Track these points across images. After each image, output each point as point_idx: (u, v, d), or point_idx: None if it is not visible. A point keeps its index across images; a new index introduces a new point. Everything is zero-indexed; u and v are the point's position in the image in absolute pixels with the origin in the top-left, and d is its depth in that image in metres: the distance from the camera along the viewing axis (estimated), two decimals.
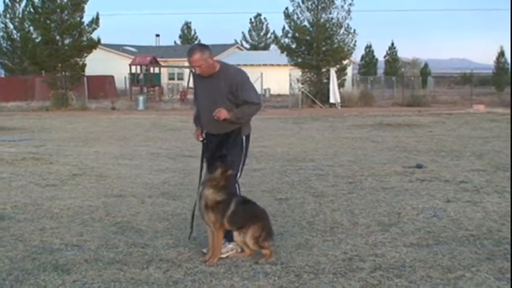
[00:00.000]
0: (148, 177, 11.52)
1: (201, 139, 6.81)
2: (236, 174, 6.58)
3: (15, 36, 53.78)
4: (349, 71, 50.38)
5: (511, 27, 30.78)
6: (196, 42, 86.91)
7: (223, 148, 6.55)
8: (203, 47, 6.51)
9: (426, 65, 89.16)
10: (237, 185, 6.67)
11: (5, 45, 54.37)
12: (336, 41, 39.47)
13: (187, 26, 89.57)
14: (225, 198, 6.25)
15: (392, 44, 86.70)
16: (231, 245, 6.51)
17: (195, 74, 6.70)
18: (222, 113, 6.39)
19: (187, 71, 42.30)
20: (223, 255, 6.38)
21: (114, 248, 6.80)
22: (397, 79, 58.27)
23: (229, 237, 6.45)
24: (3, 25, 53.68)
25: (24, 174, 12.00)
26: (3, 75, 55.53)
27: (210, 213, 6.21)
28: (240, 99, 6.47)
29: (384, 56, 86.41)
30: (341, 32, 39.37)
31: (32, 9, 39.07)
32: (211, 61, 6.44)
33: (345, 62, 41.45)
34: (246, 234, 6.28)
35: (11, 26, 53.83)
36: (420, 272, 5.86)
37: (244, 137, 6.68)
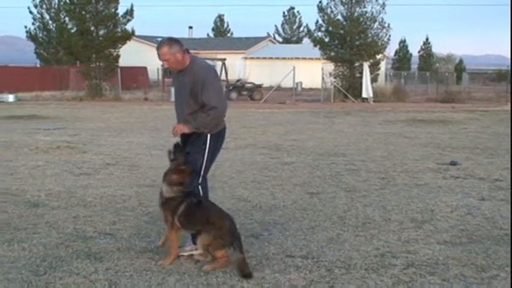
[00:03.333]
0: None
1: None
2: (197, 173, 6.27)
3: (51, 26, 54.16)
4: (382, 65, 49.98)
5: (511, 26, 30.44)
6: (228, 35, 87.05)
7: (186, 145, 6.29)
8: (172, 41, 6.26)
9: (461, 61, 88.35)
10: (200, 185, 6.35)
11: (40, 35, 54.79)
12: (370, 35, 39.15)
13: (220, 18, 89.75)
14: (176, 196, 5.95)
15: (427, 39, 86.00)
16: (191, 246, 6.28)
17: None
18: (178, 129, 6.23)
19: (219, 64, 42.28)
20: (185, 253, 6.16)
21: (146, 238, 6.85)
22: (431, 75, 57.80)
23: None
24: (39, 15, 54.06)
25: (59, 163, 12.13)
26: (38, 65, 56.04)
27: (162, 209, 6.03)
28: (200, 100, 6.16)
29: (419, 51, 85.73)
30: (375, 26, 39.04)
31: (67, 0, 39.37)
32: (179, 56, 6.17)
33: (378, 57, 41.09)
34: (199, 238, 5.93)
35: (47, 17, 54.22)
36: (454, 270, 5.81)
37: (209, 136, 6.28)
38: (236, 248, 5.83)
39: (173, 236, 6.00)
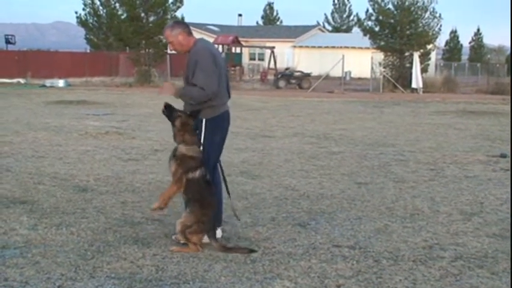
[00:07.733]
0: (228, 156, 11.54)
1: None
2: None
3: (101, 12, 54.76)
4: (432, 56, 49.45)
5: (511, 26, 29.79)
6: (277, 23, 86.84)
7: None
8: (176, 23, 6.36)
9: None
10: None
11: (91, 21, 55.51)
12: (420, 25, 38.69)
13: (270, 6, 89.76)
14: (196, 156, 5.98)
15: (478, 30, 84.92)
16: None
17: None
18: (163, 90, 6.28)
19: (268, 52, 42.30)
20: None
21: None
22: (482, 66, 56.88)
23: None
24: (90, 1, 54.69)
25: (107, 148, 12.26)
26: (89, 51, 56.74)
27: (174, 162, 5.99)
28: (191, 82, 6.12)
29: (470, 42, 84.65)
30: (426, 15, 38.59)
31: None
32: (181, 38, 6.15)
33: (429, 47, 40.63)
34: (181, 216, 6.01)
35: (98, 3, 54.81)
36: (503, 264, 5.71)
37: (204, 120, 6.17)
38: (210, 237, 6.01)
39: (173, 188, 6.01)
